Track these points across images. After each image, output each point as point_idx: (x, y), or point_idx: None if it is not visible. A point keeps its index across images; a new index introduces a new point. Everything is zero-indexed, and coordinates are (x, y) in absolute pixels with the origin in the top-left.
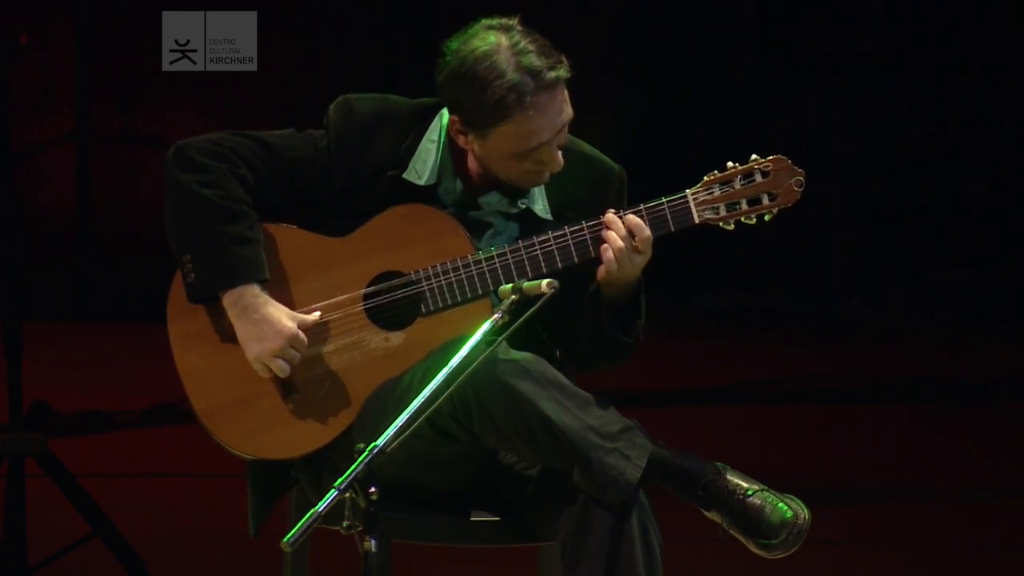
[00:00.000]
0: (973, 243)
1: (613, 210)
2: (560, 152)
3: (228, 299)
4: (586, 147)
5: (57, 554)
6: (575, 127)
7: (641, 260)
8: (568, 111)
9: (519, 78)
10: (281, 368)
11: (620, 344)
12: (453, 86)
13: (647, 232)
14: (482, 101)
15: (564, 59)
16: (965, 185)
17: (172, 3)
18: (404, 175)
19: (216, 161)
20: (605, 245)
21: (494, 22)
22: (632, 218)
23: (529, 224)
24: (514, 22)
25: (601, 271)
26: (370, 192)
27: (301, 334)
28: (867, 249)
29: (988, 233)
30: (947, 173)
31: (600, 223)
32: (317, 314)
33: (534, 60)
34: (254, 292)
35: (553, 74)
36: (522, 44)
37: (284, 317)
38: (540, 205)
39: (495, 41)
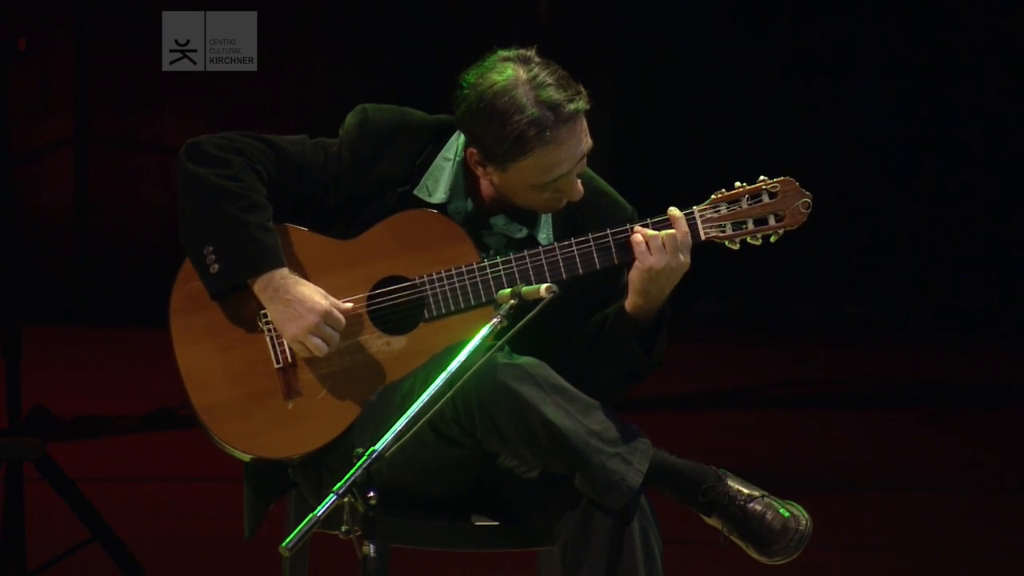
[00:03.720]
0: (973, 245)
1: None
2: (579, 181)
3: (258, 284)
4: (601, 183)
5: (56, 558)
6: None
7: (685, 261)
8: (587, 142)
9: (539, 113)
10: (317, 347)
11: (644, 366)
12: (472, 120)
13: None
14: (502, 136)
15: (582, 90)
16: (965, 187)
17: (172, 3)
18: (415, 191)
19: (234, 155)
20: (644, 250)
21: (511, 53)
22: (680, 222)
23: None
24: (531, 53)
25: (633, 273)
26: (378, 203)
27: (335, 311)
28: (866, 252)
29: (988, 234)
30: (947, 175)
31: (626, 231)
32: (350, 304)
33: (553, 93)
34: (283, 274)
35: (573, 107)
36: (540, 77)
37: (317, 295)
38: (544, 234)
39: (513, 74)
